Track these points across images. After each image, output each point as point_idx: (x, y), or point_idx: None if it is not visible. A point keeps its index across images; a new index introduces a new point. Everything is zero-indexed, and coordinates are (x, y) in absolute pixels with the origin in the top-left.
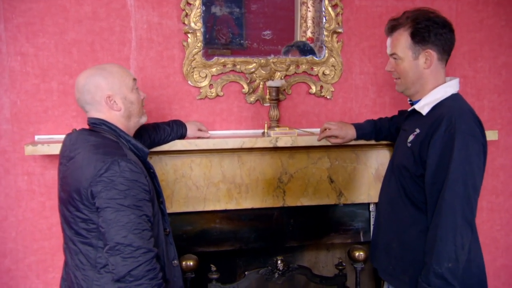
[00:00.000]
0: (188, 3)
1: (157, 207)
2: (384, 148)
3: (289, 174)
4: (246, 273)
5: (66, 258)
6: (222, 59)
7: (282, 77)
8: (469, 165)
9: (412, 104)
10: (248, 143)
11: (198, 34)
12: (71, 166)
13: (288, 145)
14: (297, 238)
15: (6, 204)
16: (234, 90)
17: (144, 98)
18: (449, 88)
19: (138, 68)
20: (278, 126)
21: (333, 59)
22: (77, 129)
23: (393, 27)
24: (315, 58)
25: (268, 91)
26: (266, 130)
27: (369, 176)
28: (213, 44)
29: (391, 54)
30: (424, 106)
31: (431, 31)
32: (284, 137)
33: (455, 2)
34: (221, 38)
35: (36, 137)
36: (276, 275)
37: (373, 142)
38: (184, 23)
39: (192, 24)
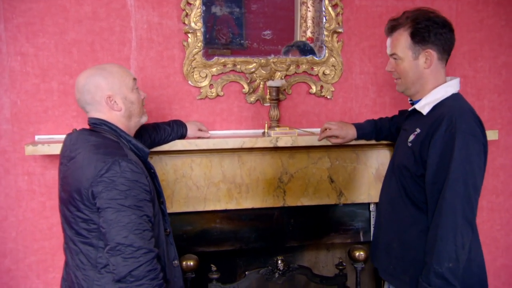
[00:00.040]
0: (188, 3)
1: (158, 207)
2: (384, 148)
3: (289, 174)
4: (246, 273)
5: (66, 258)
6: (222, 59)
7: (282, 77)
8: (469, 165)
9: (412, 104)
10: (248, 143)
11: (198, 34)
12: (72, 166)
13: (289, 145)
14: (298, 238)
15: (6, 204)
16: (234, 90)
17: (144, 97)
18: (450, 87)
19: (138, 68)
20: (278, 126)
21: (333, 59)
22: (78, 129)
23: (393, 27)
24: (315, 58)
25: (268, 91)
26: (266, 130)
27: (369, 176)
28: (213, 44)
29: (391, 54)
30: (424, 105)
31: (431, 31)
32: (284, 137)
33: (455, 2)
34: (221, 38)
35: (36, 137)
36: (277, 275)
37: (373, 142)
38: (184, 23)
39: (192, 24)
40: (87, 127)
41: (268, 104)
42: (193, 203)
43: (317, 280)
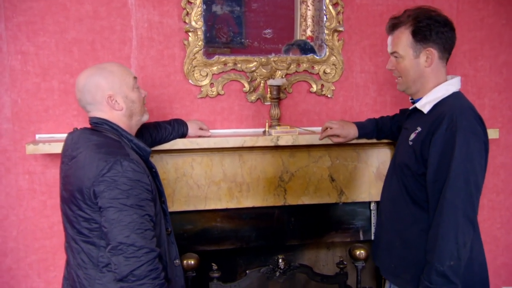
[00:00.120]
0: (189, 2)
1: (159, 207)
2: (385, 147)
3: (290, 172)
4: (247, 271)
5: (68, 257)
6: (223, 58)
7: (283, 76)
8: (470, 163)
9: (413, 103)
10: (249, 142)
11: (199, 32)
12: (73, 165)
13: (289, 143)
14: (298, 236)
15: (7, 203)
16: (235, 89)
17: (145, 96)
18: (451, 86)
19: (139, 67)
20: (279, 125)
21: (334, 57)
22: (79, 128)
23: (394, 25)
24: (315, 56)
25: (269, 89)
26: (267, 129)
27: (370, 174)
28: (214, 43)
29: (392, 53)
30: (425, 104)
31: (432, 29)
32: (285, 136)
33: (456, 1)
34: (221, 37)
35: (37, 136)
36: (277, 273)
37: (374, 140)
38: (185, 21)
39: (193, 23)
40: (88, 126)
41: (269, 103)
42: (194, 202)
43: (318, 278)
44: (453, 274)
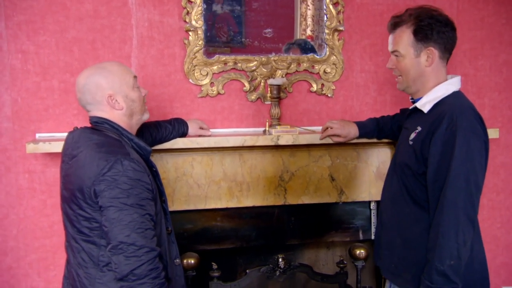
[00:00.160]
0: (189, 1)
1: (160, 206)
2: (385, 146)
3: (290, 172)
4: (247, 271)
5: (68, 256)
6: (223, 57)
7: (283, 75)
8: (470, 162)
9: (413, 102)
10: (249, 141)
11: (199, 32)
12: (74, 164)
13: (290, 143)
14: (298, 236)
15: (7, 202)
16: (235, 88)
17: (145, 94)
18: (451, 85)
19: (139, 66)
20: (279, 124)
21: (334, 57)
22: (79, 127)
23: (395, 24)
24: (316, 56)
25: (269, 89)
26: (267, 128)
27: (370, 174)
28: (214, 42)
29: (393, 51)
30: (425, 104)
31: (433, 29)
32: (285, 135)
33: (456, 0)
34: (222, 36)
35: (37, 135)
36: (277, 273)
37: (374, 140)
38: (185, 21)
39: (193, 22)
40: (89, 125)
41: (269, 102)
42: (194, 201)
43: (318, 278)
44: (453, 274)
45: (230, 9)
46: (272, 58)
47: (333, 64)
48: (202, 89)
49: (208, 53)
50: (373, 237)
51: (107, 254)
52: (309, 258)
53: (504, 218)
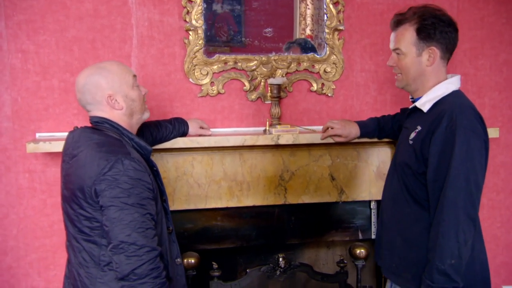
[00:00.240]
0: (190, 1)
1: (160, 205)
2: (385, 146)
3: (290, 171)
4: (247, 270)
5: (69, 256)
6: (223, 57)
7: (283, 75)
8: (470, 161)
9: (413, 102)
10: (249, 141)
11: (199, 31)
12: (74, 164)
13: (290, 142)
14: (298, 235)
15: (7, 201)
16: (235, 88)
17: (145, 93)
18: (450, 85)
19: (139, 65)
20: (279, 124)
21: (334, 56)
22: (79, 127)
23: (398, 21)
24: (316, 55)
25: (269, 88)
26: (267, 128)
27: (370, 173)
28: (214, 41)
29: (395, 49)
30: (425, 103)
31: (436, 28)
32: (285, 135)
33: (456, 0)
34: (222, 36)
35: (37, 135)
36: (278, 272)
37: (374, 139)
38: (185, 20)
39: (194, 22)
40: (89, 125)
41: (269, 102)
42: (194, 200)
43: (318, 277)
44: (454, 273)
45: (230, 9)
46: (272, 58)
47: (333, 63)
48: (202, 88)
49: (208, 53)
50: (373, 236)
51: (108, 253)
52: (309, 258)
53: (504, 217)
